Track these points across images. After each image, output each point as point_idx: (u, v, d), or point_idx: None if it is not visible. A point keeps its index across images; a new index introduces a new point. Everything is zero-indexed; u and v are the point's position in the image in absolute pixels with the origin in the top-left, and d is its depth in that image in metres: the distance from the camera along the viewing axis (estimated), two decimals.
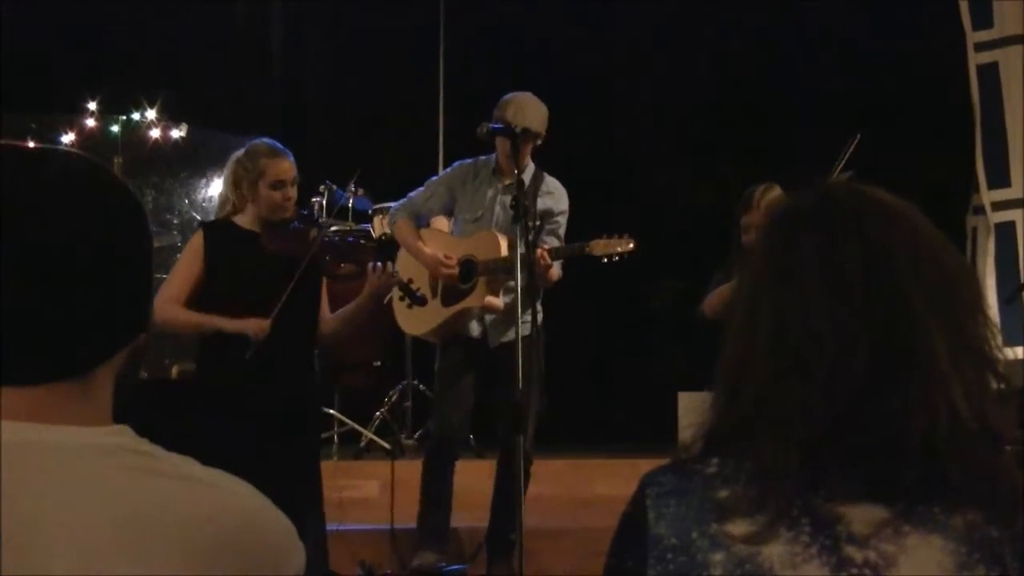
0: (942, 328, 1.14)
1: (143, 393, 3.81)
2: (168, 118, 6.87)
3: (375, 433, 6.47)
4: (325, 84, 7.93)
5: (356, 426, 6.50)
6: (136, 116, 6.82)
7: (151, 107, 6.81)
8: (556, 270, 4.52)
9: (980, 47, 6.87)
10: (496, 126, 4.47)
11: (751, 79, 7.64)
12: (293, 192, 4.18)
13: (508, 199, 4.51)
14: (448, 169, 4.85)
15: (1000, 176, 6.74)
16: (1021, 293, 5.85)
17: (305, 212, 4.75)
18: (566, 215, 4.71)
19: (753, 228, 4.41)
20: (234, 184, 4.19)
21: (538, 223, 4.50)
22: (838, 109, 7.46)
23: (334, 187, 6.37)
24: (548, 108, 4.62)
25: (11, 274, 1.04)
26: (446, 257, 4.61)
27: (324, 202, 6.45)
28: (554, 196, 4.69)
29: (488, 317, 4.66)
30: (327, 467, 5.67)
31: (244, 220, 4.20)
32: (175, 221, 7.23)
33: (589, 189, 6.67)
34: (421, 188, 4.83)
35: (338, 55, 7.82)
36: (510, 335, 4.56)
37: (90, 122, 6.75)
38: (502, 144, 4.55)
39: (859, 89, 7.61)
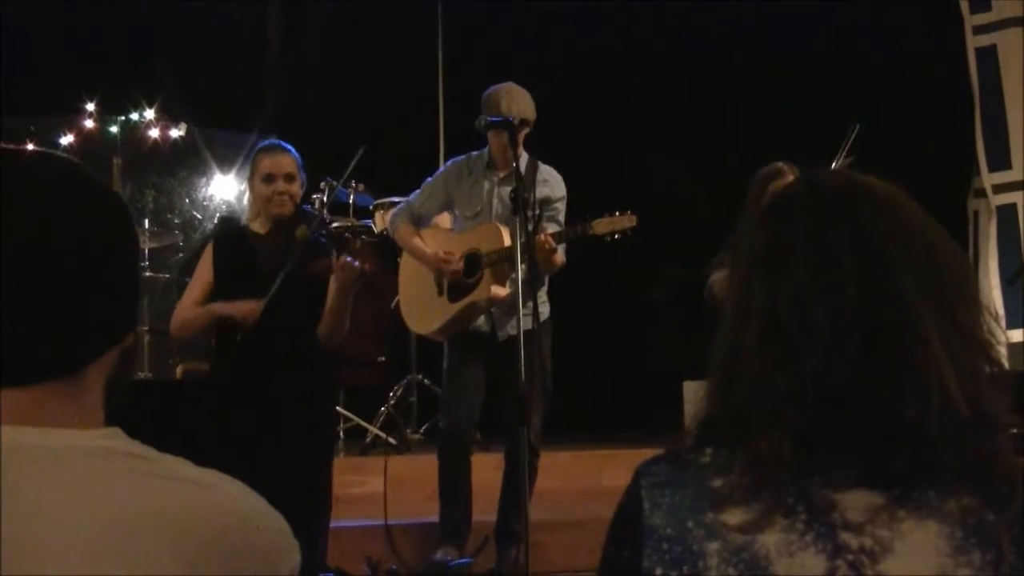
0: (934, 314, 1.14)
1: (146, 393, 3.81)
2: (167, 117, 6.86)
3: (381, 429, 6.47)
4: (324, 81, 7.92)
5: (361, 422, 6.50)
6: (135, 116, 6.81)
7: (150, 107, 6.81)
8: (560, 255, 4.52)
9: (978, 30, 6.87)
10: (495, 119, 4.45)
11: (749, 64, 7.62)
12: (287, 187, 4.11)
13: (505, 191, 4.52)
14: (441, 169, 4.83)
15: (1001, 159, 6.74)
16: (1023, 274, 5.84)
17: (306, 207, 4.68)
18: (564, 201, 4.69)
19: None
20: (248, 187, 4.26)
21: (537, 211, 4.49)
22: (838, 94, 7.44)
23: (334, 183, 6.35)
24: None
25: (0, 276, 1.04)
26: (446, 254, 4.62)
27: (324, 199, 6.44)
28: (550, 184, 4.68)
29: (494, 309, 4.66)
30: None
31: (256, 224, 4.24)
32: (176, 220, 7.23)
33: (590, 182, 6.67)
34: (417, 191, 4.83)
35: (337, 52, 7.82)
36: (514, 327, 4.58)
37: (89, 123, 6.74)
38: (497, 137, 4.54)
39: (858, 75, 7.60)
